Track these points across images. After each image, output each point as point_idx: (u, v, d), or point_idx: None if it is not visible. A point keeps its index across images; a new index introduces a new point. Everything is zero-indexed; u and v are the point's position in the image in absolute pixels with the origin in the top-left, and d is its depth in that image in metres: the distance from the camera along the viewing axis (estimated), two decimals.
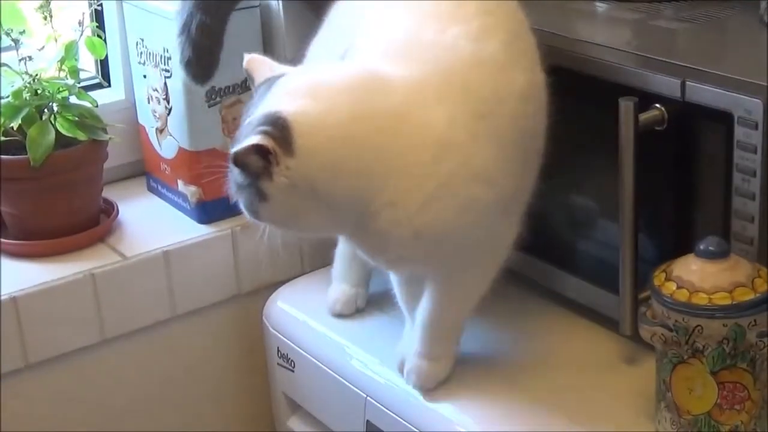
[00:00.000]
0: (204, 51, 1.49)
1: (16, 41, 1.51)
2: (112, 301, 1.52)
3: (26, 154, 1.49)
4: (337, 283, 1.49)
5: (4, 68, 1.54)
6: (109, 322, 1.52)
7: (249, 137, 1.14)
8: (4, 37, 1.53)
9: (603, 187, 1.32)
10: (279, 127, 1.15)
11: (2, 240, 1.56)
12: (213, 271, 1.59)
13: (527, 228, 1.29)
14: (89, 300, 1.50)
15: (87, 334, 1.51)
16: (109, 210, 1.63)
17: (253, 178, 1.16)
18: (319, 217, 1.19)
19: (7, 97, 1.53)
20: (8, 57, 1.54)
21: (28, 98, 1.52)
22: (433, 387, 1.32)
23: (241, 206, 1.21)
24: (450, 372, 1.33)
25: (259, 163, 1.14)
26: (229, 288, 1.61)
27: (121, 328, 1.54)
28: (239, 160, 1.14)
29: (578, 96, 1.32)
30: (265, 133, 1.14)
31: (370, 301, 1.49)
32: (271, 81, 1.21)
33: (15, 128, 1.53)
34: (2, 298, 1.44)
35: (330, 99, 1.18)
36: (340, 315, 1.47)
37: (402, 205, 1.17)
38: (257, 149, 1.13)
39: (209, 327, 1.62)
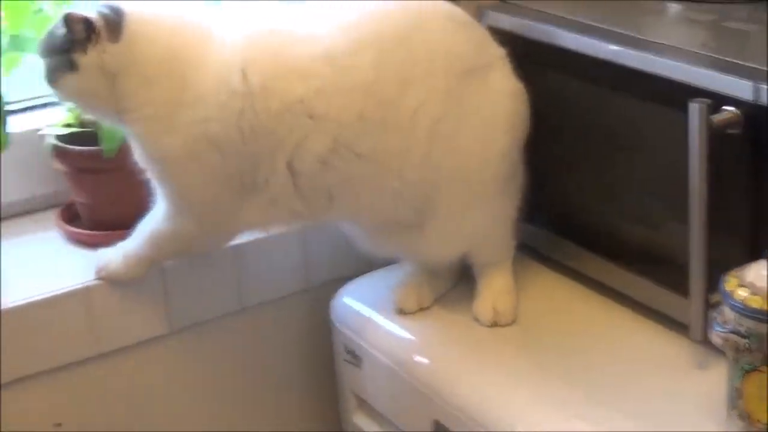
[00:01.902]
0: None
1: None
2: (181, 292, 1.53)
3: (100, 145, 1.51)
4: (403, 280, 1.50)
5: None
6: (178, 314, 1.53)
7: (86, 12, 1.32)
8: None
9: (673, 188, 1.30)
10: (116, 14, 1.32)
11: (76, 230, 1.58)
12: (282, 265, 1.60)
13: (596, 228, 1.29)
14: (158, 291, 1.51)
15: (156, 324, 1.52)
16: None
17: (70, 45, 1.31)
18: (104, 107, 1.35)
19: None
20: None
21: None
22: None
23: (45, 71, 1.35)
24: None
25: (82, 34, 1.31)
26: (298, 282, 1.62)
27: (189, 319, 1.55)
28: (69, 19, 1.31)
29: (647, 97, 1.31)
30: (101, 13, 1.32)
31: (437, 300, 1.49)
32: None
33: (89, 120, 1.55)
34: (76, 287, 1.46)
35: (166, 15, 1.35)
36: (403, 312, 1.47)
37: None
38: (86, 21, 1.30)
39: (277, 321, 1.62)
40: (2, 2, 1.51)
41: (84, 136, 1.55)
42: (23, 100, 1.65)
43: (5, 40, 1.51)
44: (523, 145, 1.43)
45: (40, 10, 1.51)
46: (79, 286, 1.47)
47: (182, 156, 1.34)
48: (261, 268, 1.58)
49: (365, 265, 1.55)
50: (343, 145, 1.33)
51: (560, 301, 1.48)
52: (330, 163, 1.34)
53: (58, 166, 1.57)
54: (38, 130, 1.58)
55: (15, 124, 1.49)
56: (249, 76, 1.32)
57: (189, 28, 1.35)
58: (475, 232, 1.41)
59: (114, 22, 1.32)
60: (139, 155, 1.38)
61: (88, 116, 1.44)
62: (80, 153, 1.54)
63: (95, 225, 1.57)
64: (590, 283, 1.47)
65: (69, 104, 1.41)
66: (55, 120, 1.57)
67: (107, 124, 1.44)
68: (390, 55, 1.33)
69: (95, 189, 1.57)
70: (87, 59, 1.32)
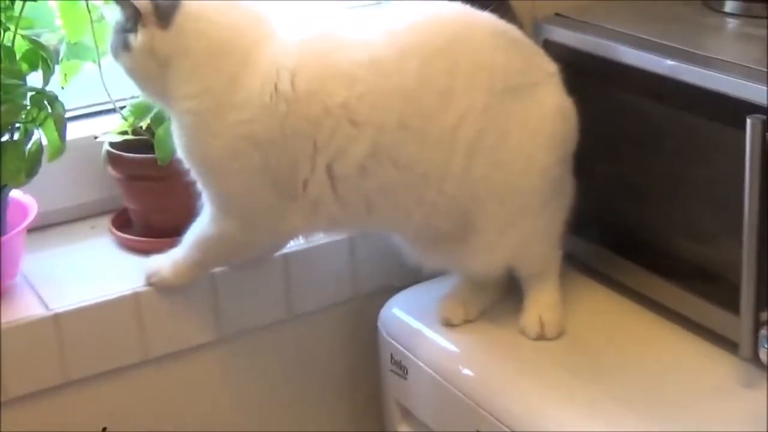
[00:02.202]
0: None
1: None
2: (230, 300, 1.54)
3: (154, 153, 1.53)
4: (449, 292, 1.50)
5: None
6: (226, 321, 1.54)
7: None
8: None
9: (727, 204, 1.29)
10: (171, 3, 1.33)
11: (127, 236, 1.60)
12: (330, 274, 1.60)
13: (647, 243, 1.28)
14: (208, 298, 1.52)
15: (204, 331, 1.53)
16: None
17: (125, 26, 1.35)
18: (155, 90, 1.39)
19: (138, 97, 1.56)
20: None
21: None
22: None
23: (111, 50, 1.39)
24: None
25: (130, 14, 1.34)
26: (346, 291, 1.62)
27: (237, 326, 1.56)
28: (118, 1, 1.34)
29: (703, 112, 1.30)
30: (153, 2, 1.34)
31: (484, 312, 1.48)
32: None
33: (144, 127, 1.57)
34: (126, 292, 1.48)
35: (220, 3, 1.35)
36: (449, 324, 1.47)
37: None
38: (132, 8, 1.33)
39: (324, 329, 1.63)
40: (61, 10, 1.53)
41: (138, 143, 1.57)
42: (81, 107, 1.67)
43: (65, 48, 1.53)
44: (571, 160, 1.42)
45: (101, 18, 1.53)
46: (129, 292, 1.48)
47: (224, 156, 1.35)
48: (309, 276, 1.58)
49: (413, 275, 1.55)
50: (383, 152, 1.33)
51: (608, 315, 1.47)
52: (369, 169, 1.34)
53: (112, 172, 1.59)
54: (94, 137, 1.60)
55: (72, 131, 1.51)
56: (296, 79, 1.33)
57: (248, 28, 1.36)
58: (518, 246, 1.41)
59: (164, 10, 1.34)
60: (180, 149, 1.40)
61: (144, 96, 1.45)
62: (134, 160, 1.56)
63: (147, 232, 1.59)
64: (639, 299, 1.46)
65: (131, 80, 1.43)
66: (110, 127, 1.59)
67: (159, 106, 1.45)
68: (433, 66, 1.33)
69: (147, 196, 1.58)
70: (137, 41, 1.35)
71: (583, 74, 1.43)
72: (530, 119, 1.37)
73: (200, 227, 1.44)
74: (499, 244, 1.40)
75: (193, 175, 1.41)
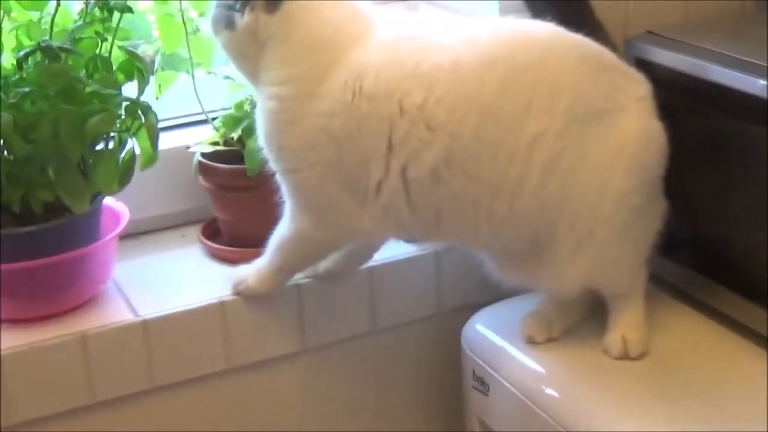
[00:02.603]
0: None
1: None
2: (315, 311, 1.55)
3: (244, 163, 1.55)
4: (533, 309, 1.49)
5: (228, 81, 1.60)
6: (311, 332, 1.56)
7: None
8: None
9: None
10: None
11: (216, 245, 1.62)
12: (415, 288, 1.61)
13: (738, 267, 1.26)
14: (293, 309, 1.54)
15: (289, 342, 1.55)
16: None
17: (232, 4, 1.36)
18: (249, 70, 1.40)
19: (230, 108, 1.59)
20: (232, 70, 1.59)
21: (249, 110, 1.57)
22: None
23: (210, 23, 1.39)
24: None
25: None
26: (430, 306, 1.62)
27: (322, 338, 1.57)
28: None
29: None
30: None
31: (568, 331, 1.48)
32: None
33: (235, 138, 1.59)
34: (212, 301, 1.50)
35: (333, 5, 1.37)
36: (532, 342, 1.46)
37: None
38: None
39: (407, 343, 1.63)
40: (158, 22, 1.56)
41: (229, 154, 1.59)
42: (173, 118, 1.70)
43: (160, 59, 1.56)
44: (659, 183, 1.40)
45: (197, 30, 1.56)
46: (216, 300, 1.50)
47: (300, 146, 1.37)
48: (394, 290, 1.59)
49: (498, 291, 1.55)
50: (456, 161, 1.33)
51: (693, 336, 1.45)
52: (441, 177, 1.34)
53: (202, 182, 1.61)
54: (186, 147, 1.63)
55: (164, 141, 1.53)
56: (378, 78, 1.33)
57: (349, 26, 1.37)
58: (592, 268, 1.39)
59: None
60: (261, 134, 1.41)
61: (237, 71, 1.46)
62: (224, 171, 1.59)
63: (235, 241, 1.61)
64: (726, 321, 1.44)
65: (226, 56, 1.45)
66: (202, 138, 1.62)
67: (249, 83, 1.46)
68: (515, 81, 1.33)
69: (236, 206, 1.60)
70: (243, 21, 1.36)
71: (675, 93, 1.42)
72: (610, 145, 1.35)
73: (279, 230, 1.46)
74: (571, 267, 1.39)
75: (272, 164, 1.42)
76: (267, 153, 1.42)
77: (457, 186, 1.34)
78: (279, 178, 1.43)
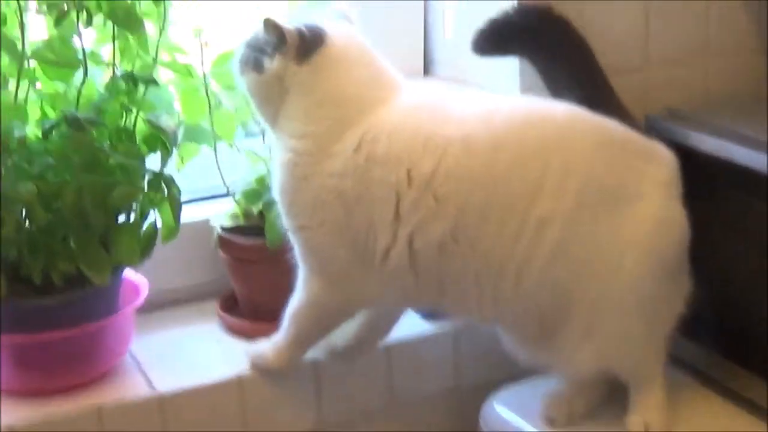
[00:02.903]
0: None
1: (263, 130, 1.57)
2: (332, 387, 1.54)
3: (264, 237, 1.54)
4: (554, 389, 1.47)
5: (250, 154, 1.60)
6: (328, 409, 1.54)
7: (293, 23, 1.36)
8: (252, 124, 1.60)
9: None
10: (315, 38, 1.36)
11: (234, 319, 1.61)
12: (432, 366, 1.59)
13: (762, 351, 1.25)
14: (311, 385, 1.53)
15: (306, 418, 1.53)
16: None
17: (263, 47, 1.36)
18: (270, 115, 1.39)
19: (251, 182, 1.59)
20: (254, 144, 1.60)
21: (269, 185, 1.57)
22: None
23: (237, 62, 1.40)
24: None
25: (274, 39, 1.35)
26: (448, 384, 1.61)
27: (339, 414, 1.55)
28: (266, 23, 1.35)
29: None
30: (301, 32, 1.35)
31: (590, 412, 1.46)
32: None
33: (255, 212, 1.59)
34: (229, 376, 1.49)
35: (361, 57, 1.38)
36: (552, 423, 1.45)
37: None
38: (281, 34, 1.34)
39: (425, 420, 1.61)
40: (181, 94, 1.56)
41: (249, 228, 1.59)
42: (195, 190, 1.70)
43: (183, 132, 1.56)
44: (678, 266, 1.38)
45: (219, 104, 1.56)
46: (233, 375, 1.49)
47: (311, 203, 1.37)
48: (412, 368, 1.58)
49: (517, 369, 1.53)
50: (463, 235, 1.32)
51: (717, 423, 1.43)
52: (448, 250, 1.33)
53: (222, 255, 1.60)
54: (205, 220, 1.63)
55: (185, 213, 1.52)
56: (390, 144, 1.34)
57: (375, 88, 1.38)
58: (607, 351, 1.37)
59: (308, 45, 1.36)
60: (275, 186, 1.42)
61: (257, 112, 1.46)
62: (244, 244, 1.58)
63: (254, 315, 1.60)
64: (748, 405, 1.43)
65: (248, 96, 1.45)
66: (223, 211, 1.61)
67: (267, 127, 1.46)
68: (525, 162, 1.32)
69: (255, 279, 1.60)
70: (272, 66, 1.37)
71: (692, 171, 1.41)
72: (622, 233, 1.33)
73: (292, 301, 1.45)
74: (582, 350, 1.37)
75: (284, 220, 1.42)
76: (280, 207, 1.42)
77: (463, 260, 1.34)
78: (291, 236, 1.42)
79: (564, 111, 1.38)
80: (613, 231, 1.33)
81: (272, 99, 1.39)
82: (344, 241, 1.37)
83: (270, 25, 1.36)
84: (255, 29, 1.40)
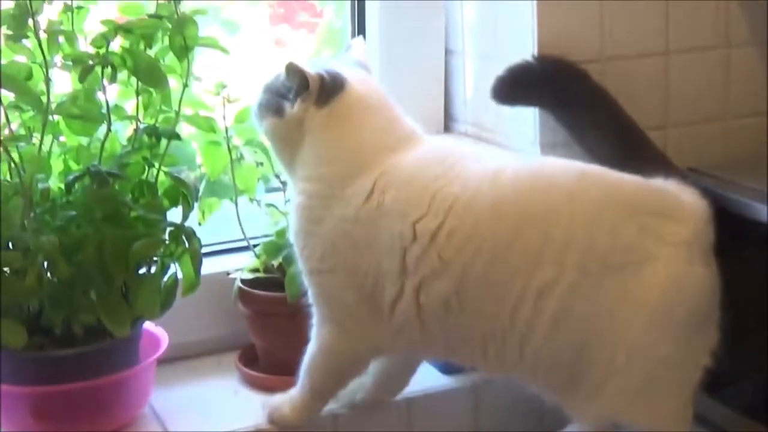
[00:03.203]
0: None
1: (284, 183, 1.58)
2: None
3: (283, 291, 1.55)
4: None
5: (270, 208, 1.61)
6: None
7: (314, 68, 1.38)
8: (273, 179, 1.62)
9: None
10: (335, 84, 1.38)
11: (253, 372, 1.61)
12: (453, 420, 1.59)
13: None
14: None
15: None
16: None
17: (283, 92, 1.38)
18: (288, 157, 1.41)
19: (272, 236, 1.60)
20: (275, 198, 1.62)
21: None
22: None
23: (256, 107, 1.42)
24: None
25: (295, 83, 1.37)
26: None
27: None
28: (288, 68, 1.38)
29: None
30: (322, 77, 1.37)
31: None
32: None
33: (275, 266, 1.60)
34: (246, 429, 1.48)
35: (379, 104, 1.40)
36: None
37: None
38: (303, 78, 1.36)
39: None
40: (203, 149, 1.58)
41: (269, 281, 1.60)
42: (215, 243, 1.71)
43: (204, 186, 1.58)
44: (698, 325, 1.35)
45: (242, 157, 1.58)
46: (251, 429, 1.49)
47: (322, 245, 1.38)
48: (431, 420, 1.57)
49: (539, 422, 1.53)
50: (466, 296, 1.33)
51: None
52: (452, 309, 1.33)
53: (242, 308, 1.61)
54: (226, 273, 1.63)
55: (205, 266, 1.53)
56: (398, 196, 1.35)
57: (388, 135, 1.40)
58: (619, 410, 1.35)
59: (328, 90, 1.39)
60: (291, 227, 1.44)
61: (276, 157, 1.49)
62: (264, 297, 1.59)
63: (273, 368, 1.60)
64: None
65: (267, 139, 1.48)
66: (243, 264, 1.62)
67: (286, 172, 1.47)
68: (527, 228, 1.31)
69: (275, 333, 1.60)
70: (293, 111, 1.39)
71: (721, 231, 1.40)
72: (628, 298, 1.31)
73: (307, 352, 1.45)
74: (593, 408, 1.35)
75: (299, 262, 1.43)
76: (295, 249, 1.43)
77: (466, 321, 1.34)
78: (305, 279, 1.44)
79: (573, 175, 1.36)
80: (618, 298, 1.31)
81: (290, 143, 1.41)
82: (354, 287, 1.38)
83: (292, 70, 1.38)
84: (274, 74, 1.42)
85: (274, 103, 1.41)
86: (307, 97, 1.38)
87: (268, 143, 1.50)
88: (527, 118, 1.61)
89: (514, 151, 1.62)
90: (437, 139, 1.46)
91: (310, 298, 1.44)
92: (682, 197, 1.37)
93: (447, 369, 1.61)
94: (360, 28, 1.77)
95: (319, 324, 1.44)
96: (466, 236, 1.32)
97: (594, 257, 1.30)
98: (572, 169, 1.37)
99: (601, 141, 1.46)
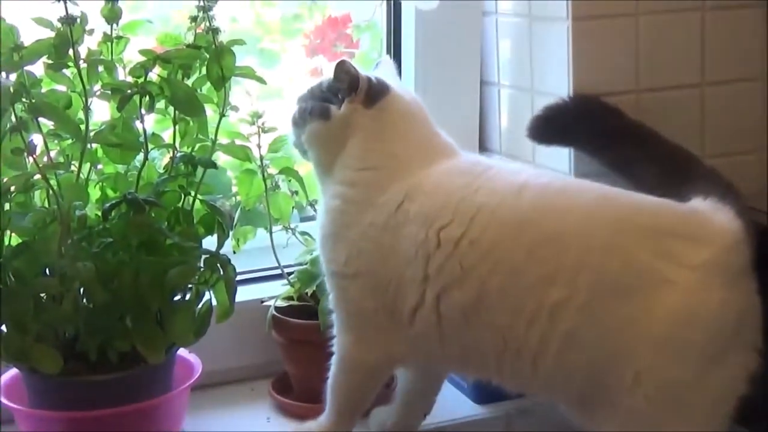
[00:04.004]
0: None
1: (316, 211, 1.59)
2: None
3: (317, 319, 1.56)
4: None
5: (304, 237, 1.63)
6: None
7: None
8: (308, 207, 1.63)
9: None
10: (381, 87, 1.42)
11: (286, 400, 1.62)
12: None
13: None
14: None
15: None
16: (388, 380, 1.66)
17: (328, 95, 1.42)
18: (329, 160, 1.42)
19: (306, 264, 1.61)
20: (309, 226, 1.63)
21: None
22: None
23: (297, 115, 1.45)
24: None
25: (344, 84, 1.40)
26: None
27: None
28: (339, 65, 1.41)
29: None
30: (369, 78, 1.41)
31: None
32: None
33: (309, 294, 1.60)
34: None
35: (420, 115, 1.44)
36: None
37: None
38: (354, 77, 1.40)
39: None
40: (239, 177, 1.59)
41: (302, 309, 1.61)
42: (249, 271, 1.72)
43: (239, 214, 1.59)
44: (719, 349, 1.31)
45: (277, 186, 1.59)
46: None
47: (349, 251, 1.39)
48: None
49: None
50: (484, 308, 1.33)
51: None
52: (471, 320, 1.34)
53: (275, 336, 1.62)
54: (261, 300, 1.64)
55: (239, 293, 1.54)
56: (424, 204, 1.36)
57: (426, 146, 1.43)
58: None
59: (375, 91, 1.42)
60: (319, 232, 1.44)
61: (311, 160, 1.48)
62: (298, 325, 1.60)
63: (306, 396, 1.61)
64: None
65: (298, 147, 1.48)
66: (277, 292, 1.63)
67: (318, 174, 1.47)
68: (542, 247, 1.32)
69: (308, 361, 1.60)
70: (340, 112, 1.42)
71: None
72: (637, 323, 1.29)
73: (330, 372, 1.45)
74: (611, 426, 1.33)
75: (323, 265, 1.44)
76: (320, 251, 1.44)
77: (483, 333, 1.34)
78: (327, 282, 1.44)
79: (593, 196, 1.36)
80: (627, 320, 1.30)
81: (334, 145, 1.43)
82: (375, 294, 1.39)
83: (343, 69, 1.41)
84: (311, 84, 1.46)
85: (318, 107, 1.43)
86: (355, 97, 1.41)
87: (298, 152, 1.49)
88: (562, 149, 1.61)
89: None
90: (471, 155, 1.47)
91: (331, 303, 1.45)
92: (712, 218, 1.35)
93: (479, 398, 1.61)
94: (396, 58, 1.78)
95: (339, 333, 1.45)
96: (487, 247, 1.33)
97: (605, 280, 1.31)
98: (593, 190, 1.38)
99: (647, 171, 1.46)
